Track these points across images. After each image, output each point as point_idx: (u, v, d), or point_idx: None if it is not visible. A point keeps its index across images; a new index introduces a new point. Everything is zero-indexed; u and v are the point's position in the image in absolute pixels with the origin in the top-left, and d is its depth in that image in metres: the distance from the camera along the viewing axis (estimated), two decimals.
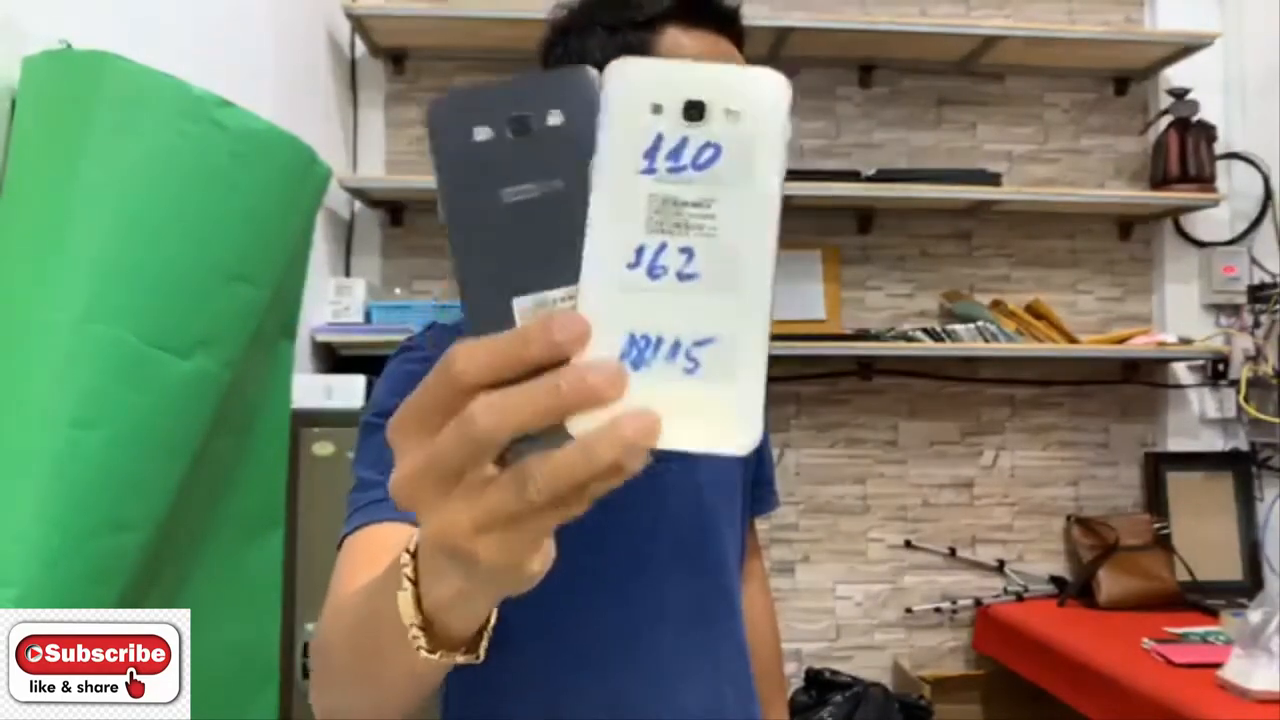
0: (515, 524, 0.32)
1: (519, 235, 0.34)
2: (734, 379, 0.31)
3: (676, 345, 0.32)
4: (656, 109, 0.33)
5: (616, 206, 0.32)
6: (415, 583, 0.39)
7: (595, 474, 0.30)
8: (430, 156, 0.35)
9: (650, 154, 0.33)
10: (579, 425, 0.31)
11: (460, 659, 0.40)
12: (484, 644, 0.41)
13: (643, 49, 0.81)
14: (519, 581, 0.35)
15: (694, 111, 0.33)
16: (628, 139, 0.33)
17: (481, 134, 0.34)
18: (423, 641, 0.39)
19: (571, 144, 0.34)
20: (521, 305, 0.33)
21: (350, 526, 0.70)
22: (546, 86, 0.35)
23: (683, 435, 0.31)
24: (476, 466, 0.32)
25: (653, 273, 0.32)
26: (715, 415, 0.31)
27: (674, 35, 0.82)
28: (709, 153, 0.32)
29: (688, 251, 0.32)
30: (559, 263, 0.33)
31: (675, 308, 0.32)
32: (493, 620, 0.41)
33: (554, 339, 0.31)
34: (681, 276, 0.32)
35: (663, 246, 0.32)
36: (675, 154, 0.32)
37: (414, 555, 0.39)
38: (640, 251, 0.32)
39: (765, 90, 0.33)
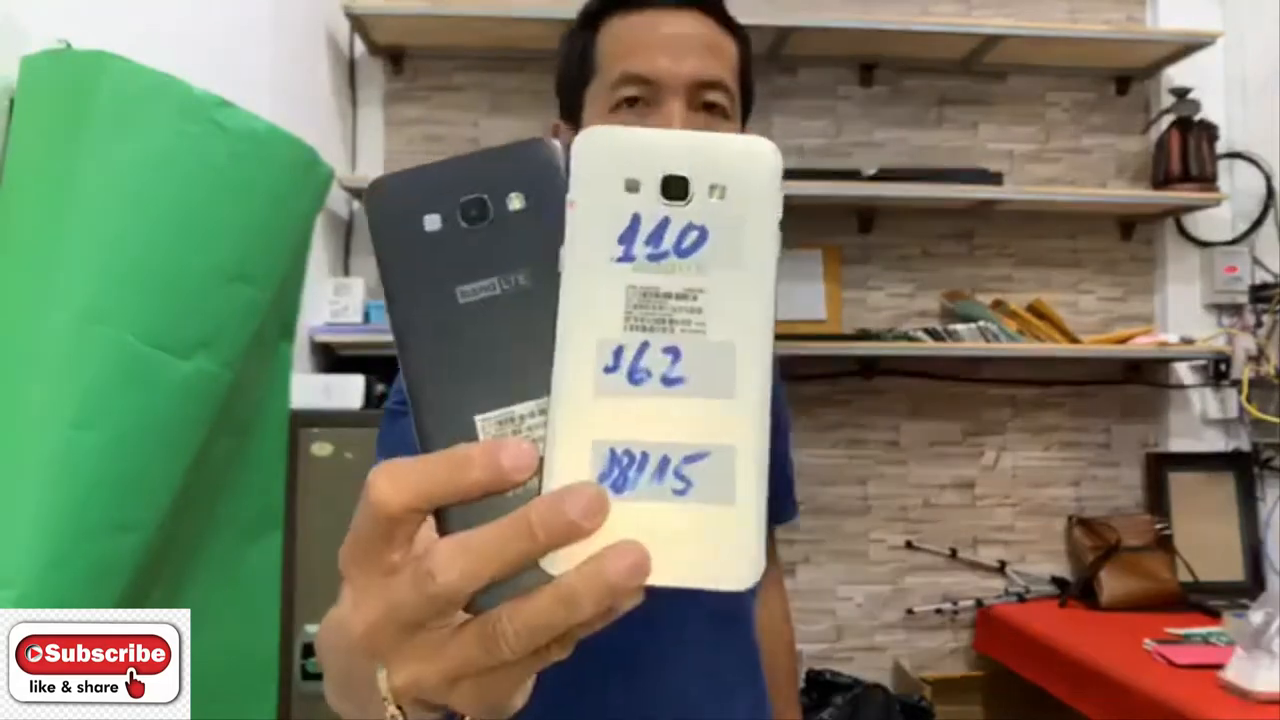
0: (489, 675, 0.29)
1: (479, 340, 0.30)
2: (731, 500, 0.27)
3: (664, 462, 0.28)
4: (632, 186, 0.29)
5: (590, 301, 0.28)
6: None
7: (578, 623, 0.27)
8: (374, 249, 0.30)
9: (627, 239, 0.29)
10: (556, 564, 0.27)
11: None
12: None
13: (587, 51, 0.80)
14: (500, 716, 0.31)
15: (675, 188, 0.29)
16: (600, 222, 0.29)
17: (431, 223, 0.30)
18: None
19: (535, 231, 0.30)
20: (485, 423, 0.29)
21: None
22: (503, 164, 0.31)
23: (674, 569, 0.27)
24: (440, 620, 0.28)
25: (634, 377, 0.28)
26: (711, 544, 0.27)
27: (611, 26, 0.79)
28: (693, 236, 0.29)
29: (673, 351, 0.28)
30: (526, 371, 0.29)
31: (661, 418, 0.28)
32: None
33: (500, 464, 0.27)
34: (667, 381, 0.28)
35: (644, 346, 0.28)
36: (655, 238, 0.29)
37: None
38: (619, 353, 0.28)
39: (753, 162, 0.29)
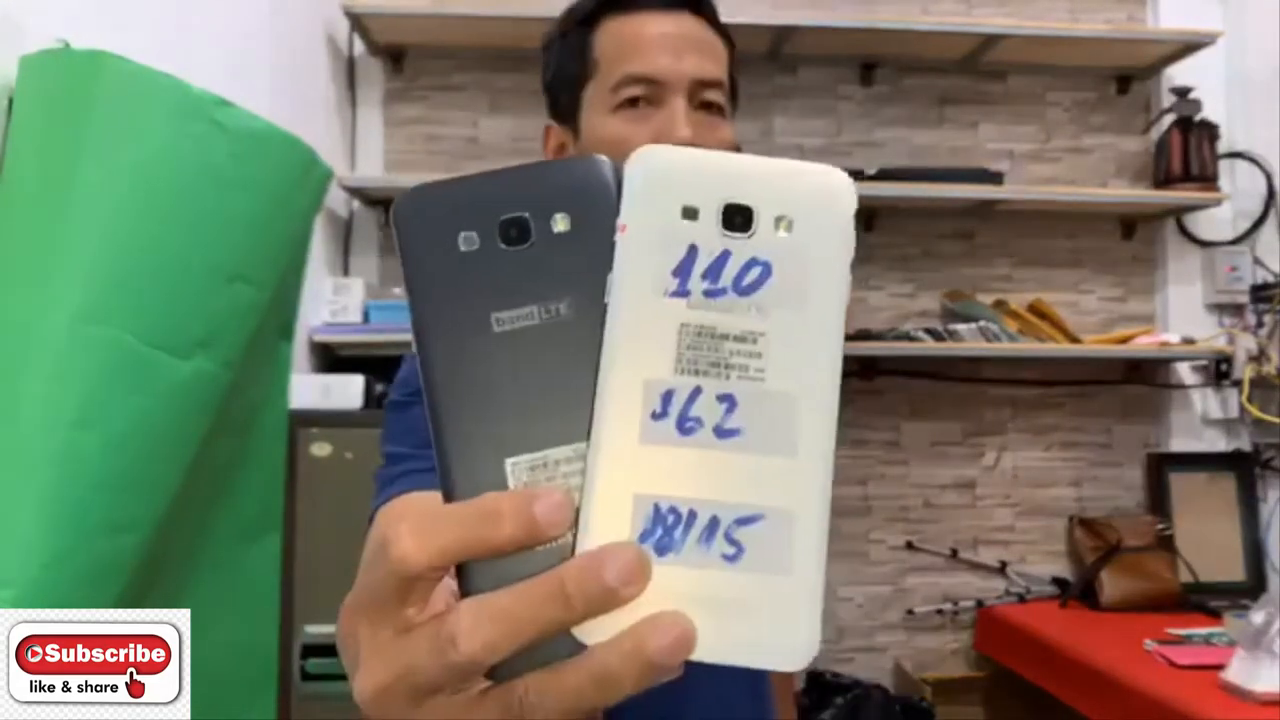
0: None
1: (513, 375, 0.27)
2: (788, 569, 0.25)
3: (714, 523, 0.25)
4: (690, 213, 0.26)
5: (638, 339, 0.26)
6: None
7: (612, 698, 0.25)
8: (402, 266, 0.28)
9: (682, 272, 0.26)
10: (589, 633, 0.24)
11: None
12: None
13: (584, 52, 0.80)
14: None
15: (737, 218, 0.26)
16: (652, 251, 0.26)
17: (466, 241, 0.27)
18: None
19: (581, 257, 0.27)
20: (516, 467, 0.26)
21: (382, 498, 0.69)
22: (549, 180, 0.28)
23: (722, 645, 0.24)
24: (458, 685, 0.26)
25: (683, 426, 0.25)
26: (763, 618, 0.25)
27: (607, 26, 0.79)
28: (756, 272, 0.26)
29: (728, 400, 0.26)
30: (564, 412, 0.26)
31: (712, 473, 0.25)
32: None
33: (534, 518, 0.25)
34: (720, 432, 0.25)
35: (696, 392, 0.26)
36: (713, 272, 0.26)
37: None
38: (668, 398, 0.25)
39: (826, 194, 0.27)
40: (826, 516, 0.25)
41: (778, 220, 0.26)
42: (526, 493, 0.25)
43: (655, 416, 0.26)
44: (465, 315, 0.27)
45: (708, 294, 0.26)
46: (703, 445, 0.25)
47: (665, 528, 0.25)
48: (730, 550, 0.25)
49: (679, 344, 0.26)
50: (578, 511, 0.25)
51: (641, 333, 0.26)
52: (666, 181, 0.27)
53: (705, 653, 0.24)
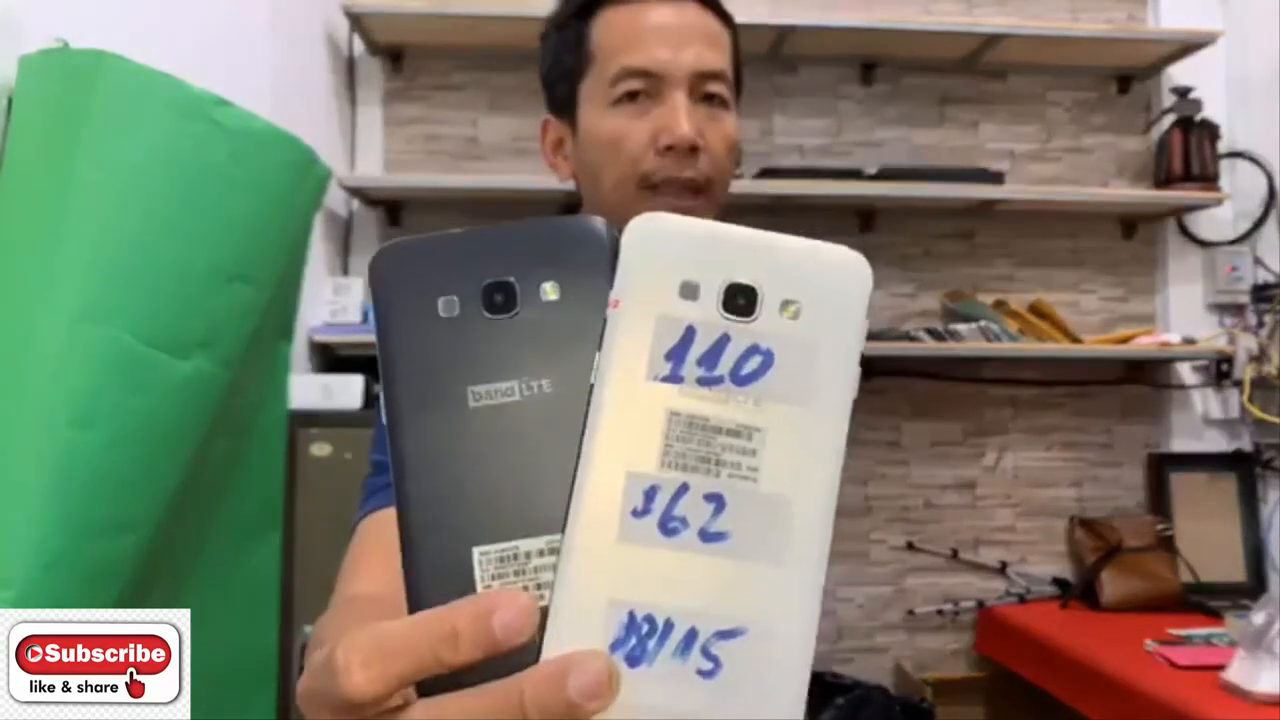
0: None
1: (486, 455, 0.25)
2: (765, 694, 0.23)
3: (691, 635, 0.23)
4: (689, 291, 0.25)
5: (623, 426, 0.24)
6: None
7: None
8: (375, 325, 0.26)
9: (675, 355, 0.24)
10: None
11: None
12: None
13: (581, 43, 0.78)
14: None
15: (740, 300, 0.25)
16: (645, 330, 0.24)
17: (446, 307, 0.25)
18: None
19: (568, 329, 0.25)
20: (484, 558, 0.25)
21: (364, 510, 0.69)
22: (540, 242, 0.26)
23: None
24: None
25: (666, 526, 0.24)
26: None
27: (605, 17, 0.77)
28: (756, 361, 0.25)
29: (716, 500, 0.24)
30: (539, 499, 0.25)
31: (694, 580, 0.23)
32: None
33: (493, 635, 0.23)
34: (706, 536, 0.24)
35: (683, 489, 0.24)
36: (710, 358, 0.24)
37: None
38: (651, 494, 0.24)
39: (837, 277, 0.25)
40: (813, 634, 0.24)
41: (784, 305, 0.25)
42: (487, 602, 0.23)
43: (636, 514, 0.24)
44: (440, 387, 0.25)
45: (702, 381, 0.24)
46: (686, 549, 0.24)
47: (639, 637, 0.23)
48: (707, 665, 0.23)
49: (667, 434, 0.24)
50: (545, 610, 0.24)
51: (627, 419, 0.24)
52: (665, 255, 0.25)
53: None
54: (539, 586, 0.24)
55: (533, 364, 0.25)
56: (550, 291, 0.25)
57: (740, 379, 0.24)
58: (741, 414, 0.24)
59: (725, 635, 0.23)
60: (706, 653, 0.23)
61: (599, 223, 0.26)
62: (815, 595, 0.24)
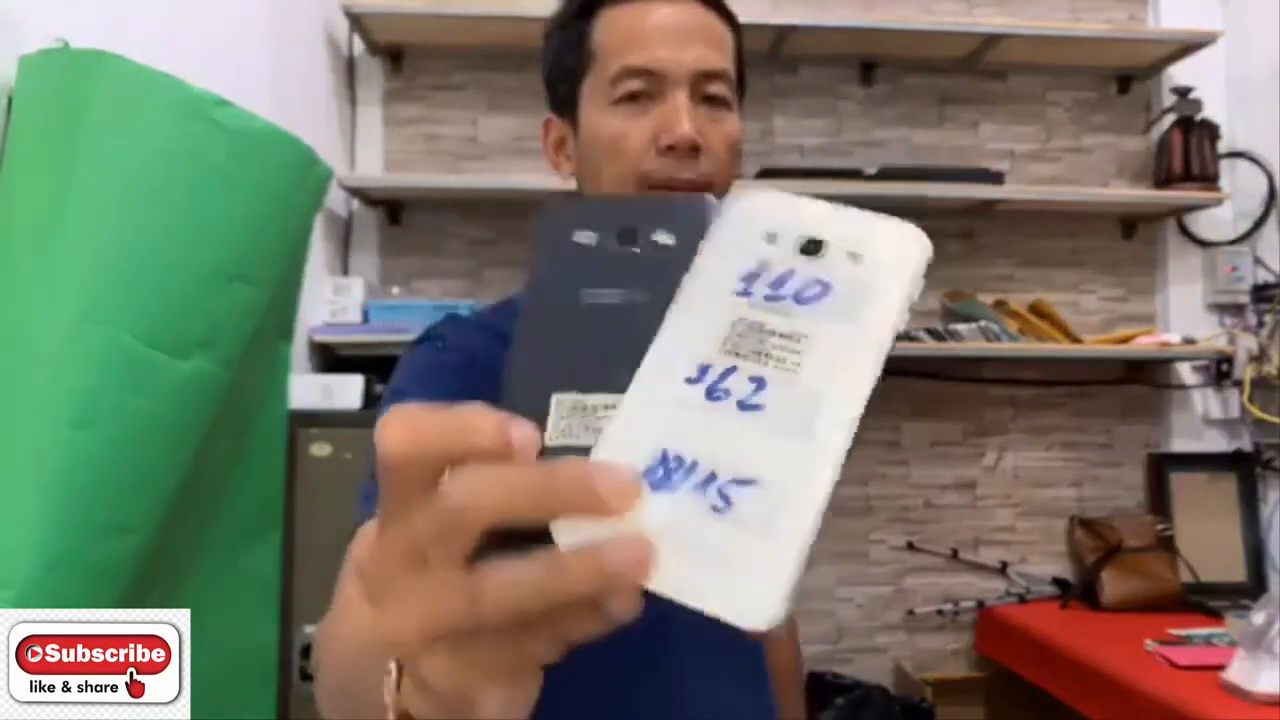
0: (465, 645, 0.26)
1: (584, 335, 0.32)
2: (769, 535, 0.25)
3: (711, 477, 0.26)
4: (770, 237, 0.30)
5: (695, 320, 0.29)
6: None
7: (562, 597, 0.25)
8: (530, 250, 0.34)
9: (750, 278, 0.29)
10: (566, 537, 0.25)
11: None
12: None
13: (582, 42, 0.79)
14: (470, 715, 0.28)
15: (812, 247, 0.29)
16: (729, 258, 0.29)
17: (584, 236, 0.33)
18: None
19: (671, 265, 0.31)
20: (560, 403, 0.31)
21: (361, 513, 0.69)
22: (665, 208, 0.34)
23: (684, 583, 0.25)
24: (443, 552, 0.26)
25: (712, 393, 0.27)
26: (731, 570, 0.25)
27: (606, 16, 0.78)
28: (816, 289, 0.29)
29: (758, 381, 0.27)
30: (615, 371, 0.29)
31: (723, 435, 0.27)
32: None
33: (507, 438, 0.26)
34: (743, 406, 0.27)
35: (731, 369, 0.28)
36: (778, 283, 0.29)
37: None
38: (705, 370, 0.28)
39: (900, 244, 0.30)
40: (822, 504, 0.26)
41: (849, 254, 0.29)
42: (504, 417, 0.26)
43: (689, 381, 0.28)
44: (565, 285, 0.33)
45: (768, 299, 0.29)
46: (724, 412, 0.27)
47: (667, 470, 0.27)
48: (720, 503, 0.26)
49: (730, 331, 0.28)
50: (589, 450, 0.28)
51: (700, 316, 0.29)
52: (754, 212, 0.30)
53: (664, 584, 0.25)
54: (597, 433, 0.28)
55: (638, 281, 0.32)
56: (665, 237, 0.33)
57: (800, 299, 0.28)
58: (795, 324, 0.28)
59: (741, 483, 0.26)
60: (722, 493, 0.26)
61: (713, 200, 0.33)
62: (830, 473, 0.26)
